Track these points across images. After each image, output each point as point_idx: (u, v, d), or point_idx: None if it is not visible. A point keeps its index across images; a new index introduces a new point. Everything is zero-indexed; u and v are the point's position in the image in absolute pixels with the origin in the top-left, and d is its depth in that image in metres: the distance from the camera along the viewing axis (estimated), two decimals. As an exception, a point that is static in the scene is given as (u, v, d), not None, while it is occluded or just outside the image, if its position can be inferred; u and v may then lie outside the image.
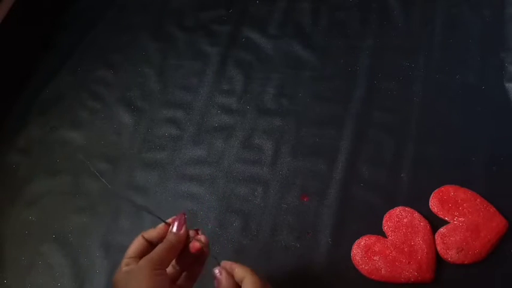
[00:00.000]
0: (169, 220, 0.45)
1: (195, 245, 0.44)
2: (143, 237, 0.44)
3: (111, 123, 0.70)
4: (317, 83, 0.69)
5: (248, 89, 0.70)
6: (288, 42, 0.73)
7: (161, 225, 0.45)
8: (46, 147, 0.69)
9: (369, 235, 0.56)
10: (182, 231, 0.44)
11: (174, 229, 0.44)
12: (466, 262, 0.53)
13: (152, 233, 0.44)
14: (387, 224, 0.56)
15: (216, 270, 0.44)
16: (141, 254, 0.42)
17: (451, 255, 0.54)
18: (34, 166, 0.68)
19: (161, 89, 0.72)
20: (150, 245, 0.43)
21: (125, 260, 0.42)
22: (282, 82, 0.70)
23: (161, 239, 0.44)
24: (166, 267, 0.42)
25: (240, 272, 0.43)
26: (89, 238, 0.61)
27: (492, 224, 0.54)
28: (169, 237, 0.43)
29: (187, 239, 0.44)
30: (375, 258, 0.54)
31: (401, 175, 0.60)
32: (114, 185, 0.65)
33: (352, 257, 0.55)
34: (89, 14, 0.82)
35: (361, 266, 0.55)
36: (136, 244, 0.43)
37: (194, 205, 0.62)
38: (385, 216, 0.57)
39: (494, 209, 0.55)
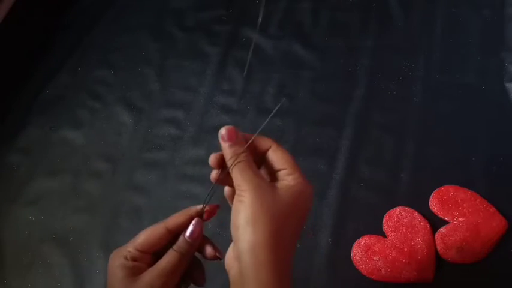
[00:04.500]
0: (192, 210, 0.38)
1: (210, 253, 0.37)
2: (166, 229, 0.36)
3: (111, 123, 0.70)
4: (317, 83, 0.69)
5: (248, 89, 0.70)
6: (288, 42, 0.73)
7: (188, 211, 0.38)
8: (46, 147, 0.69)
9: (369, 235, 0.56)
10: (196, 239, 0.36)
11: (188, 234, 0.36)
12: (466, 262, 0.53)
13: (178, 219, 0.37)
14: (387, 224, 0.56)
15: (223, 129, 0.36)
16: (153, 248, 0.36)
17: (451, 255, 0.54)
18: (34, 166, 0.68)
19: (161, 89, 0.72)
20: (171, 237, 0.37)
21: (129, 250, 0.36)
22: (282, 82, 0.70)
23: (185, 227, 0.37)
24: (176, 282, 0.35)
25: (261, 140, 0.36)
26: (89, 238, 0.61)
27: (492, 224, 0.54)
28: (181, 244, 0.36)
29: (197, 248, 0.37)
30: (374, 258, 0.54)
31: (401, 175, 0.60)
32: (114, 185, 0.65)
33: (352, 257, 0.55)
34: (89, 14, 0.82)
35: (361, 266, 0.54)
36: (151, 233, 0.36)
37: (194, 205, 0.62)
38: (385, 216, 0.57)
39: (494, 209, 0.55)
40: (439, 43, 0.69)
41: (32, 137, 0.70)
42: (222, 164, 0.37)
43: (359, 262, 0.55)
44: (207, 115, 0.69)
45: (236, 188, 0.34)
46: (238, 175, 0.34)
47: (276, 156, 0.36)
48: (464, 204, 0.56)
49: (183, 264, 0.36)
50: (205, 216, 0.38)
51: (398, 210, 0.57)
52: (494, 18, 0.70)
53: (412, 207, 0.57)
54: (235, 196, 0.34)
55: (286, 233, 0.33)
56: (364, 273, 0.54)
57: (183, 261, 0.36)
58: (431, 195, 0.58)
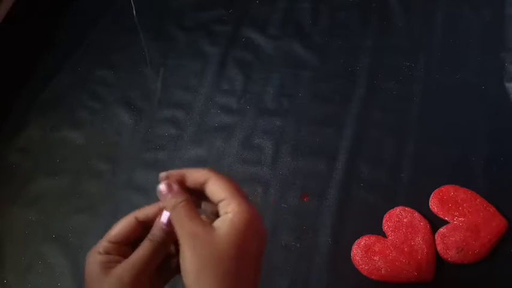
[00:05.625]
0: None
1: None
2: (136, 219, 0.35)
3: (111, 123, 0.70)
4: (317, 83, 0.69)
5: (248, 89, 0.70)
6: (288, 42, 0.73)
7: (158, 203, 0.36)
8: (46, 147, 0.69)
9: (368, 235, 0.56)
10: (171, 226, 0.34)
11: (163, 220, 0.34)
12: (466, 262, 0.53)
13: (148, 211, 0.35)
14: (387, 224, 0.56)
15: (161, 185, 0.34)
16: (127, 239, 0.35)
17: (451, 255, 0.54)
18: (34, 166, 0.68)
19: (161, 89, 0.72)
20: (143, 228, 0.35)
21: (103, 244, 0.34)
22: (282, 82, 0.70)
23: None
24: (151, 274, 0.33)
25: (196, 175, 0.34)
26: (89, 238, 0.61)
27: (492, 224, 0.54)
28: (155, 232, 0.34)
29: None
30: (375, 258, 0.54)
31: (401, 175, 0.60)
32: (114, 185, 0.65)
33: (352, 257, 0.55)
34: (89, 14, 0.82)
35: (361, 266, 0.54)
36: (123, 225, 0.35)
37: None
38: (385, 216, 0.57)
39: (494, 209, 0.55)
40: (439, 43, 0.69)
41: (32, 137, 0.70)
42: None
43: (359, 262, 0.55)
44: (207, 115, 0.69)
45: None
46: (176, 227, 0.33)
47: (215, 188, 0.34)
48: (464, 204, 0.56)
49: (157, 254, 0.33)
50: None
51: (398, 210, 0.57)
52: (494, 18, 0.70)
53: (412, 207, 0.57)
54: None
55: (239, 273, 0.32)
56: (364, 273, 0.54)
57: (158, 251, 0.33)
58: (431, 195, 0.58)
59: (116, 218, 0.62)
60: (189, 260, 0.31)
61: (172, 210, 0.33)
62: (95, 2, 0.83)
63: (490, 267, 0.53)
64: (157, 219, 0.35)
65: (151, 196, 0.63)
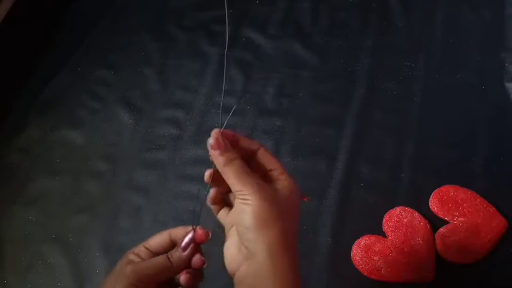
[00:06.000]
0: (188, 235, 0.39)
1: (184, 278, 0.38)
2: (169, 235, 0.39)
3: (111, 123, 0.70)
4: (317, 83, 0.69)
5: (248, 89, 0.70)
6: (288, 42, 0.73)
7: (189, 228, 0.40)
8: (46, 147, 0.69)
9: (369, 235, 0.56)
10: (187, 252, 0.38)
11: (182, 245, 0.38)
12: (466, 262, 0.53)
13: (180, 232, 0.39)
14: (387, 224, 0.56)
15: (211, 139, 0.35)
16: (158, 250, 0.39)
17: (451, 255, 0.54)
18: (34, 166, 0.68)
19: (161, 89, 0.72)
20: (172, 245, 0.39)
21: (139, 247, 0.39)
22: (282, 82, 0.70)
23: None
24: (152, 285, 0.37)
25: (249, 140, 0.38)
26: (89, 238, 0.61)
27: (492, 224, 0.54)
28: (174, 252, 0.38)
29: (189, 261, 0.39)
30: (375, 258, 0.54)
31: (401, 175, 0.60)
32: (114, 185, 0.65)
33: (352, 257, 0.55)
34: (89, 14, 0.82)
35: (361, 266, 0.54)
36: (160, 237, 0.39)
37: (194, 205, 0.62)
38: (385, 216, 0.57)
39: (494, 209, 0.55)
40: (439, 43, 0.69)
41: (32, 137, 0.70)
42: (218, 178, 0.37)
43: (359, 262, 0.55)
44: (207, 115, 0.69)
45: (237, 193, 0.35)
46: (237, 181, 0.35)
47: (266, 158, 0.37)
48: (464, 204, 0.56)
49: (166, 270, 0.37)
50: (196, 239, 0.39)
51: (398, 210, 0.57)
52: (494, 18, 0.70)
53: (412, 207, 0.57)
54: (238, 201, 0.35)
55: (290, 229, 0.35)
56: (364, 273, 0.54)
57: (168, 268, 0.38)
58: (431, 195, 0.58)
59: (116, 218, 0.62)
60: (256, 205, 0.33)
61: (227, 164, 0.35)
62: (95, 2, 0.83)
63: (490, 267, 0.53)
64: (179, 242, 0.39)
65: (151, 196, 0.63)
